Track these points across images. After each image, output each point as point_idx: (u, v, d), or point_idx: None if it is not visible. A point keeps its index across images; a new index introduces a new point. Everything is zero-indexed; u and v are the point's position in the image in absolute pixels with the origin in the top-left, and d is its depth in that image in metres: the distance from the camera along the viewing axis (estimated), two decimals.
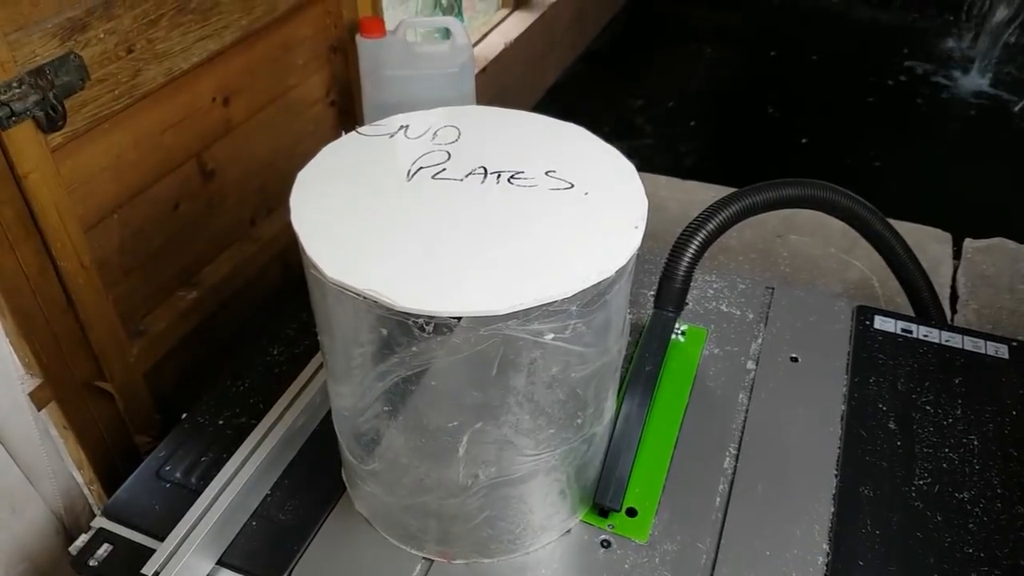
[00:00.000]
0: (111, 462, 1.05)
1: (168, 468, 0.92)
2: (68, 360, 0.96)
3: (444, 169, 0.73)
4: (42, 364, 0.92)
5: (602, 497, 0.82)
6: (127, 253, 1.04)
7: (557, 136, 0.79)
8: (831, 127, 2.69)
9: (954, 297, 1.55)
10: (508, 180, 0.71)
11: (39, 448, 0.96)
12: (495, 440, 0.69)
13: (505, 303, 0.59)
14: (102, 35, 0.90)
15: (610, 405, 0.80)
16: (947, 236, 1.70)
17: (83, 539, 0.85)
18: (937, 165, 2.47)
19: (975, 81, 2.91)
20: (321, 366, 0.99)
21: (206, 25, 1.04)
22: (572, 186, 0.71)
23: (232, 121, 1.15)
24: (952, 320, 1.49)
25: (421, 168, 0.73)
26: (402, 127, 0.79)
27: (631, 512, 0.85)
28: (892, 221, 1.16)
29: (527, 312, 0.59)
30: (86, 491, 1.03)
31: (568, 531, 0.84)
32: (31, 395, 0.92)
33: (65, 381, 0.96)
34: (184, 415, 0.99)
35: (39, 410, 0.94)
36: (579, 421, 0.73)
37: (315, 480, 0.89)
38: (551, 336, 0.62)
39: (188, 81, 1.06)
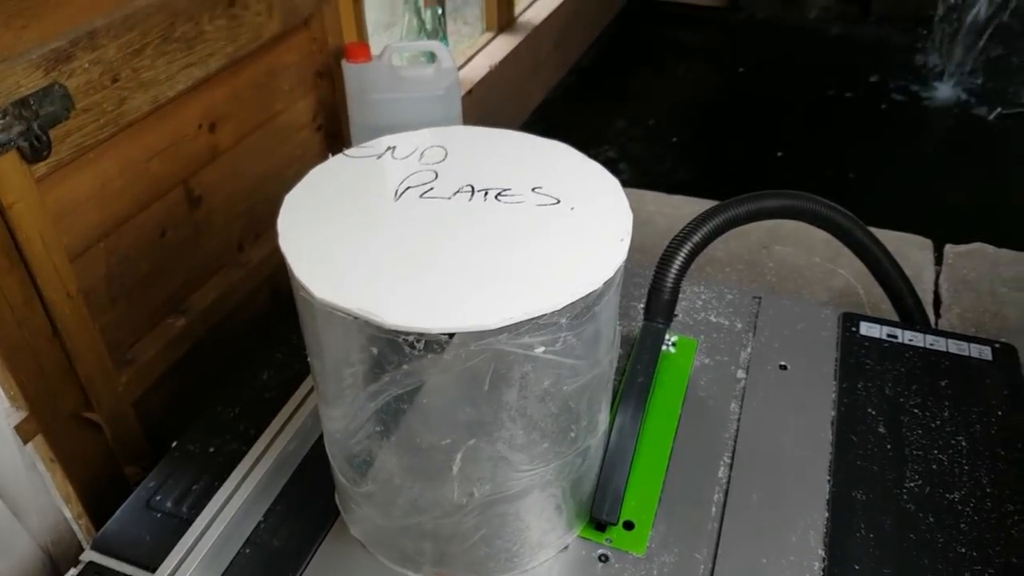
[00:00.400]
0: (100, 494, 1.04)
1: (158, 498, 0.91)
2: (55, 391, 0.95)
3: (431, 188, 0.74)
4: (28, 396, 0.91)
5: (599, 511, 0.82)
6: (114, 282, 1.04)
7: (543, 154, 0.80)
8: (810, 140, 2.73)
9: (937, 302, 1.56)
10: (495, 197, 0.72)
11: (25, 482, 0.95)
12: (489, 456, 0.69)
13: (495, 318, 0.59)
14: (87, 65, 0.90)
15: (603, 418, 0.80)
16: (928, 243, 1.71)
17: (72, 573, 0.83)
18: (915, 174, 2.50)
19: (949, 92, 2.96)
20: (311, 390, 0.99)
21: (191, 53, 1.04)
22: (558, 202, 0.71)
23: (219, 147, 1.16)
24: (936, 324, 1.50)
25: (409, 188, 0.74)
26: (389, 148, 0.80)
27: (628, 525, 0.85)
28: (874, 230, 1.17)
29: (517, 326, 0.60)
30: (74, 525, 1.02)
31: (566, 547, 0.84)
32: (17, 428, 0.91)
33: (52, 413, 0.95)
34: (174, 443, 0.98)
35: (25, 443, 0.93)
36: (573, 434, 0.73)
37: (308, 505, 0.88)
38: (542, 349, 0.62)
39: (174, 109, 1.06)
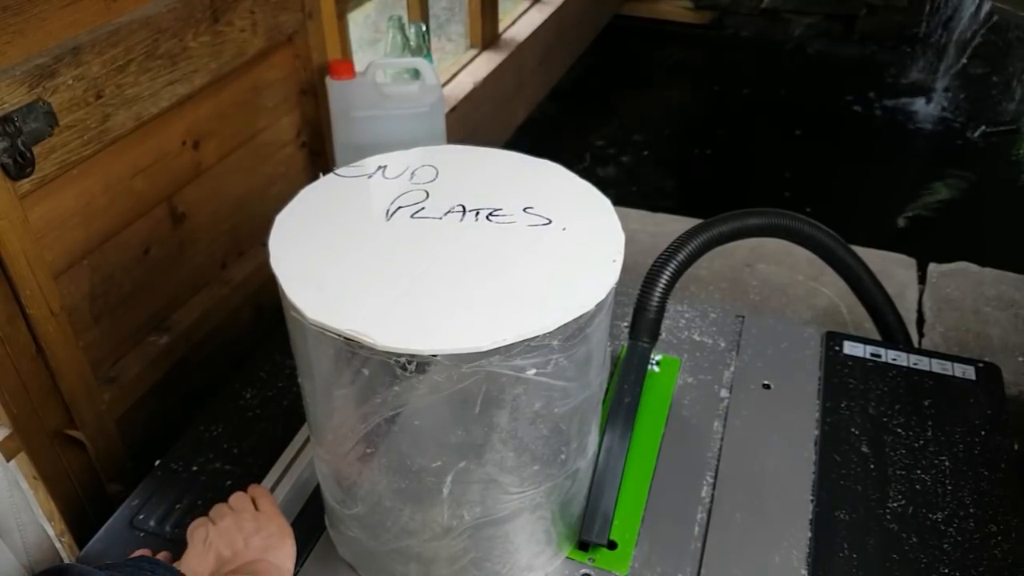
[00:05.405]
0: (83, 512, 1.03)
1: (142, 517, 0.90)
2: (38, 409, 0.94)
3: (423, 208, 0.74)
4: (11, 414, 0.90)
5: (587, 533, 0.82)
6: (97, 299, 1.03)
7: (533, 173, 0.80)
8: (794, 157, 2.75)
9: (921, 321, 1.58)
10: (486, 217, 0.72)
11: (7, 500, 0.93)
12: (480, 479, 0.69)
13: (487, 339, 0.59)
14: (71, 81, 0.89)
15: (593, 439, 0.80)
16: (912, 262, 1.73)
17: None
18: (899, 192, 2.53)
19: (933, 110, 3.00)
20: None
21: (175, 70, 1.04)
22: (550, 222, 0.72)
23: (202, 164, 1.15)
24: (920, 344, 1.51)
25: (400, 208, 0.74)
26: (380, 168, 0.80)
27: (611, 545, 0.85)
28: (857, 248, 1.18)
29: (509, 348, 0.60)
30: (57, 544, 1.00)
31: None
32: None
33: (35, 430, 0.94)
34: (157, 462, 0.98)
35: (8, 461, 0.92)
36: (563, 456, 0.73)
37: (295, 526, 0.87)
38: (533, 371, 0.62)
39: (158, 125, 1.05)
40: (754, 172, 2.68)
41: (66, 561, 1.01)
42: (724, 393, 1.04)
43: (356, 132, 1.34)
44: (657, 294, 0.97)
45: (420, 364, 0.60)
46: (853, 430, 0.98)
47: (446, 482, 0.68)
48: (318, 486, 0.84)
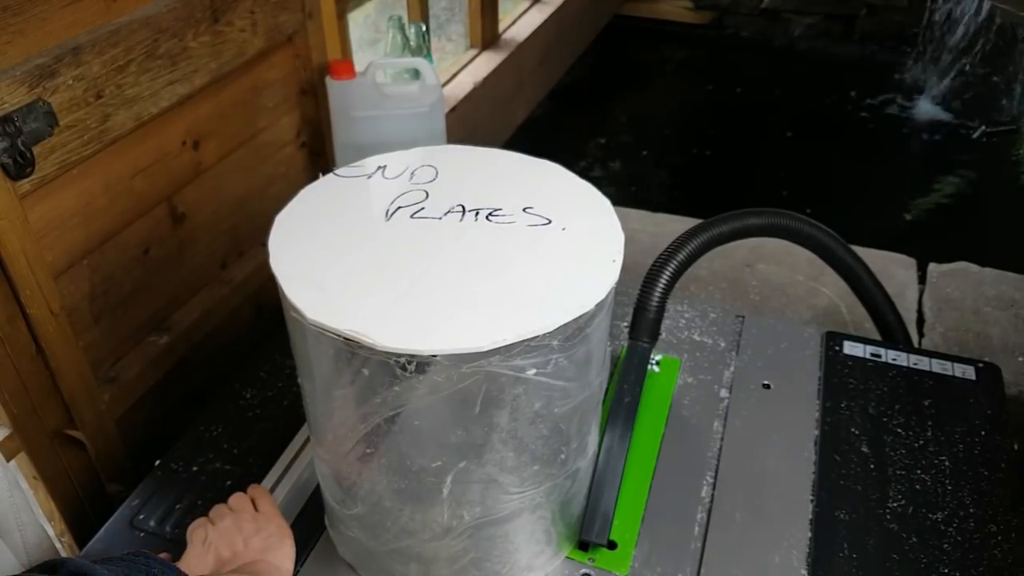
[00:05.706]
0: (83, 512, 1.03)
1: (142, 517, 0.90)
2: (38, 409, 0.94)
3: (422, 208, 0.74)
4: (11, 414, 0.90)
5: (587, 533, 0.82)
6: (97, 299, 1.03)
7: (533, 173, 0.80)
8: (793, 157, 2.75)
9: (921, 321, 1.58)
10: (486, 217, 0.72)
11: (7, 500, 0.93)
12: (480, 479, 0.69)
13: (487, 339, 0.59)
14: (71, 81, 0.90)
15: (593, 439, 0.80)
16: (912, 262, 1.73)
17: None
18: (899, 193, 2.53)
19: (933, 110, 3.00)
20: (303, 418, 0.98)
21: (175, 69, 1.04)
22: (549, 222, 0.72)
23: (202, 164, 1.15)
24: (920, 344, 1.51)
25: (399, 208, 0.74)
26: (379, 168, 0.80)
27: (611, 545, 0.85)
28: (857, 248, 1.18)
29: (509, 348, 0.60)
30: (57, 544, 1.00)
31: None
32: None
33: (35, 430, 0.94)
34: (157, 462, 0.98)
35: (8, 461, 0.92)
36: (563, 456, 0.73)
37: (295, 526, 0.88)
38: (533, 371, 0.62)
39: (158, 125, 1.05)
40: (754, 172, 2.68)
41: None
42: (724, 393, 1.04)
43: (356, 132, 1.34)
44: (657, 294, 0.97)
45: (420, 364, 0.60)
46: (853, 430, 0.98)
47: (446, 482, 0.68)
48: (318, 486, 0.84)
